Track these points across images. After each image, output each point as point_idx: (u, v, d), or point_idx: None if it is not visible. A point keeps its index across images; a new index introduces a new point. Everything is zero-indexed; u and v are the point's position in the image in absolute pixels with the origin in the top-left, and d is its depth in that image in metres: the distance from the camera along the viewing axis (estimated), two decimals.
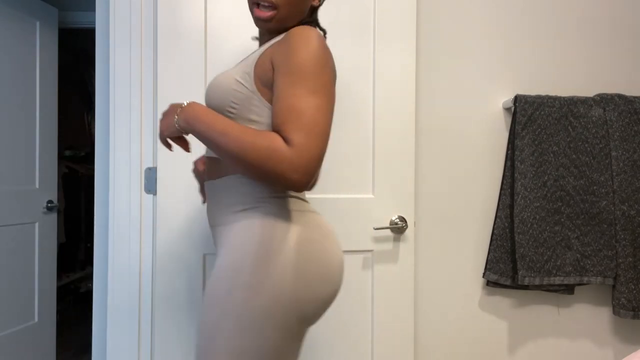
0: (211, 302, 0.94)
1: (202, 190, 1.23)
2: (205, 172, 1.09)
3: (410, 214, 1.62)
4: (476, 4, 1.79)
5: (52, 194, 2.57)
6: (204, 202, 1.21)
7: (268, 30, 1.06)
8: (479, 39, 1.79)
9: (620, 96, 1.72)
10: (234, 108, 1.00)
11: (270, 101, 0.99)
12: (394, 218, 1.61)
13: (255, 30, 1.57)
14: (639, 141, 1.72)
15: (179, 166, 1.54)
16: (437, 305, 1.78)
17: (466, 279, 1.79)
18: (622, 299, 1.68)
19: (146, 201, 1.63)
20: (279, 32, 1.07)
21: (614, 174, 1.69)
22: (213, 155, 1.05)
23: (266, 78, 0.99)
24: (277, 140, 0.87)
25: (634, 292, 1.68)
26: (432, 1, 1.78)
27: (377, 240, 1.61)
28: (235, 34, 1.56)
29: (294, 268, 0.95)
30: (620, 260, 1.69)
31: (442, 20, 1.78)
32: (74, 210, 3.70)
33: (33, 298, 2.45)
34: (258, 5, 1.02)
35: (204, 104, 1.17)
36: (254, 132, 0.89)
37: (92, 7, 2.85)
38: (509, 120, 1.79)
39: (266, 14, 1.01)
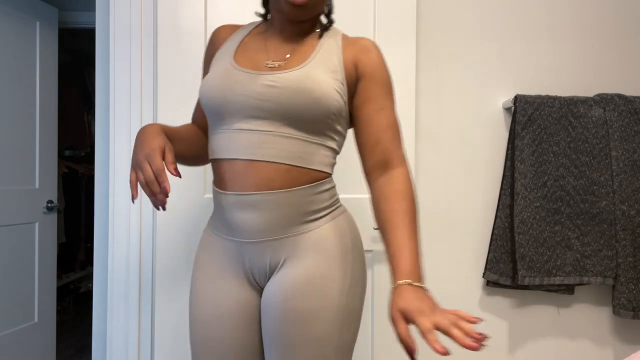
0: (325, 313, 0.94)
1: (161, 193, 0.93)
2: (250, 182, 0.95)
3: None
4: (476, 4, 1.79)
5: (52, 194, 2.57)
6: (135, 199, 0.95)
7: (299, 18, 1.00)
8: (479, 39, 1.79)
9: (620, 96, 1.72)
10: (332, 120, 0.98)
11: (348, 112, 1.03)
12: None
13: None
14: (639, 141, 1.72)
15: (179, 166, 1.54)
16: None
17: (466, 279, 1.79)
18: (622, 299, 1.68)
19: (146, 201, 1.63)
20: (304, 24, 1.03)
21: (614, 174, 1.69)
22: (277, 161, 0.94)
23: (353, 88, 1.02)
24: (408, 178, 0.97)
25: (634, 292, 1.68)
26: (432, 1, 1.78)
27: (377, 240, 1.61)
28: None
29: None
30: (620, 260, 1.69)
31: (442, 20, 1.78)
32: (74, 210, 3.70)
33: (33, 298, 2.45)
34: None
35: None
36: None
37: (92, 7, 2.85)
38: (509, 120, 1.79)
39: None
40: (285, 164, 0.94)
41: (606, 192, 1.70)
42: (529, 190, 1.68)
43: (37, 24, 2.47)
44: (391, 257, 0.87)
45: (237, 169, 0.94)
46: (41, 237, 2.49)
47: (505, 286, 1.74)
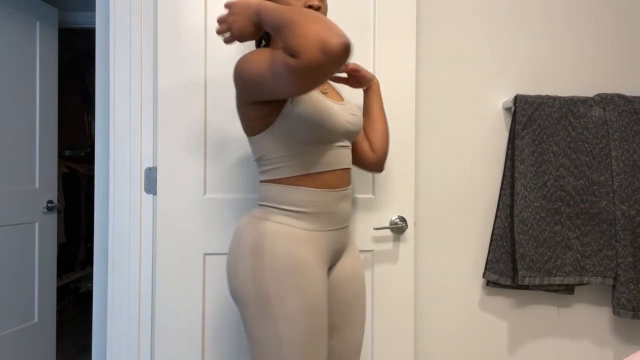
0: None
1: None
2: (343, 182, 1.23)
3: (410, 214, 1.62)
4: (476, 4, 1.79)
5: (52, 194, 2.57)
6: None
7: None
8: (479, 39, 1.79)
9: (620, 96, 1.72)
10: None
11: None
12: (394, 218, 1.61)
13: None
14: (639, 141, 1.72)
15: (179, 166, 1.54)
16: (437, 305, 1.78)
17: (466, 279, 1.79)
18: (622, 299, 1.68)
19: (146, 201, 1.63)
20: None
21: (614, 174, 1.69)
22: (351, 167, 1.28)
23: None
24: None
25: (634, 292, 1.68)
26: (432, 1, 1.78)
27: (377, 240, 1.61)
28: None
29: None
30: (620, 260, 1.69)
31: (442, 20, 1.78)
32: (74, 210, 3.70)
33: (33, 298, 2.45)
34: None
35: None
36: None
37: (92, 7, 2.85)
38: (509, 120, 1.79)
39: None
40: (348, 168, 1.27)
41: (606, 192, 1.70)
42: (529, 190, 1.68)
43: (37, 24, 2.47)
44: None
45: (338, 174, 1.21)
46: (41, 237, 2.49)
47: (505, 286, 1.74)
